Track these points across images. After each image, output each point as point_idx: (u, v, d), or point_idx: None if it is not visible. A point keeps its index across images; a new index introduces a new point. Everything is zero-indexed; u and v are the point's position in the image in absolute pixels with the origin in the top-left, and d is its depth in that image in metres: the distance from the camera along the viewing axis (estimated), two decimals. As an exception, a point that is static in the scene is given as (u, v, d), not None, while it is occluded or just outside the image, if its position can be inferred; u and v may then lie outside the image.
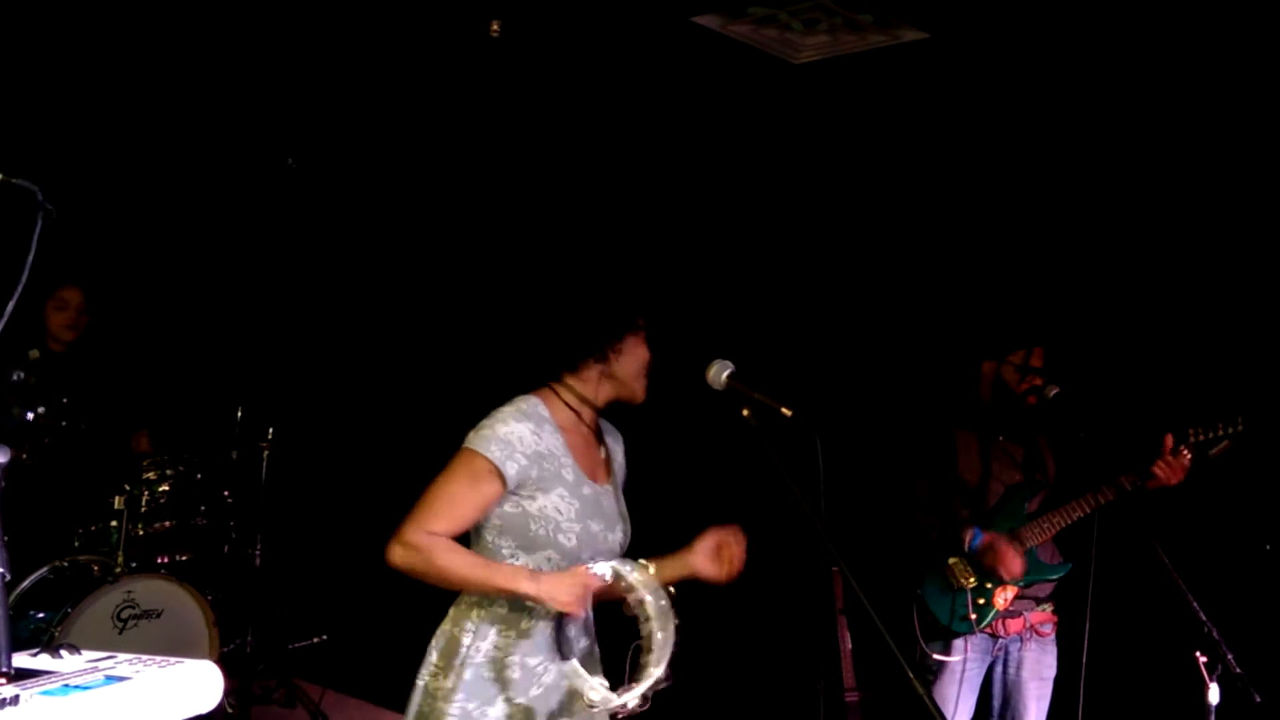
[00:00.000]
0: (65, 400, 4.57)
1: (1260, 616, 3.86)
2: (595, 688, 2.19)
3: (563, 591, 2.21)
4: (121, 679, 1.58)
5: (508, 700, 2.29)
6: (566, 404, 2.40)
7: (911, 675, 1.88)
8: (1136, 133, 4.29)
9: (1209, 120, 4.13)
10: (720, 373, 2.27)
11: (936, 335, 4.53)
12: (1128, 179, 4.40)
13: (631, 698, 2.18)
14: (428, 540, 2.25)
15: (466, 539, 2.37)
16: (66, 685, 1.53)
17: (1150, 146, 4.27)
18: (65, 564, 4.26)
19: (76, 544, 4.42)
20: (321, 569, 5.85)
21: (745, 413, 2.22)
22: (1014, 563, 3.36)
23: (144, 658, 1.71)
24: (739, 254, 5.22)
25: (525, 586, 2.22)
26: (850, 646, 5.14)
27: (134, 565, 4.34)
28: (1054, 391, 3.41)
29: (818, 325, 5.30)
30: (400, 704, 4.98)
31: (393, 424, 6.08)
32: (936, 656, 3.42)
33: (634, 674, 2.22)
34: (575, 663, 2.23)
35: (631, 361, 2.38)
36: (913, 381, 4.40)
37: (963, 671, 3.42)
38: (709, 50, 4.52)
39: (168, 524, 4.52)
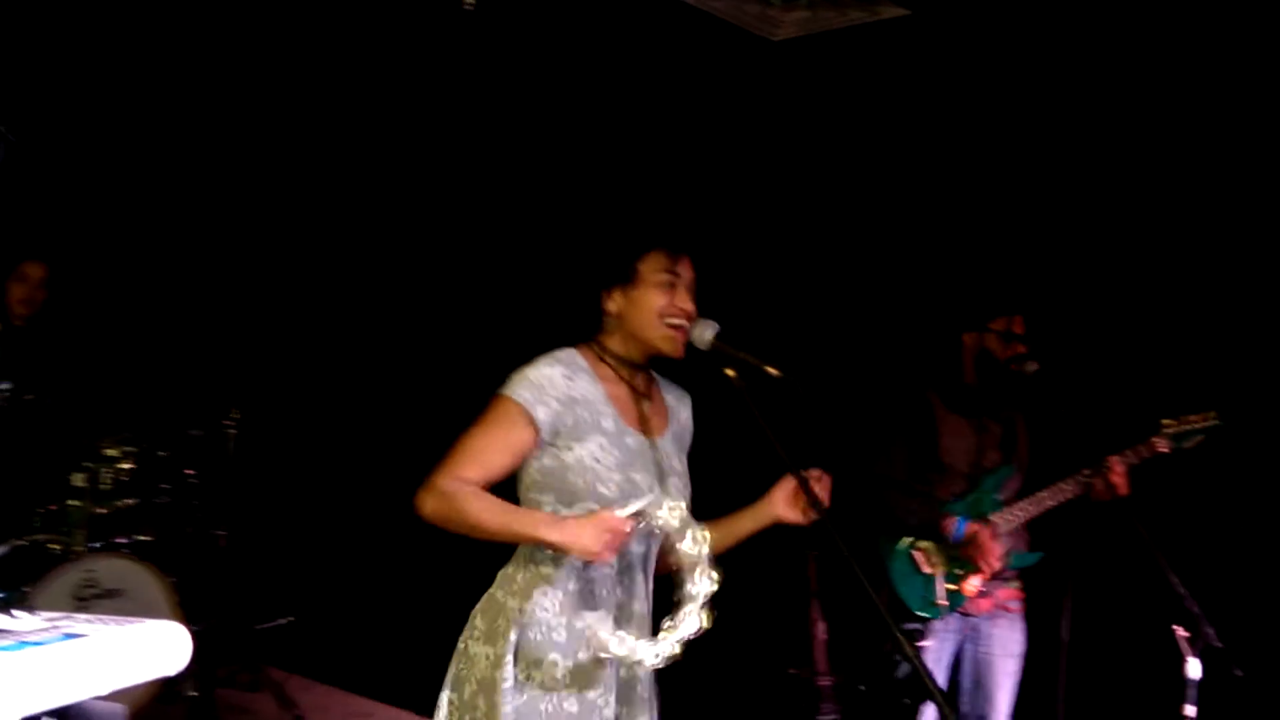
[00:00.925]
0: (25, 376, 4.47)
1: (1240, 591, 3.87)
2: (619, 639, 2.11)
3: (586, 536, 2.09)
4: (79, 635, 1.52)
5: (554, 664, 2.20)
6: (602, 359, 2.33)
7: (904, 641, 1.82)
8: (1120, 102, 4.28)
9: (1193, 94, 4.13)
10: (705, 332, 2.21)
11: (919, 309, 4.50)
12: (1115, 154, 4.39)
13: (655, 651, 2.10)
14: (457, 487, 2.17)
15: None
16: (22, 642, 1.47)
17: (1133, 117, 4.26)
18: (25, 543, 4.18)
19: (36, 523, 4.32)
20: (289, 550, 5.77)
21: (730, 373, 2.16)
22: (996, 558, 3.33)
23: (105, 618, 1.65)
24: (724, 218, 5.18)
25: (545, 532, 2.13)
26: (824, 631, 5.14)
27: (95, 544, 4.25)
28: (1033, 368, 3.38)
29: (803, 291, 5.28)
30: (369, 689, 4.92)
31: (362, 403, 6.00)
32: None
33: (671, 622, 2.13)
34: (601, 613, 2.14)
35: (638, 312, 2.28)
36: (896, 356, 4.37)
37: (937, 652, 3.40)
38: (690, 21, 4.48)
39: (129, 502, 4.44)
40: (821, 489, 2.22)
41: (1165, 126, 4.20)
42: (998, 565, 3.34)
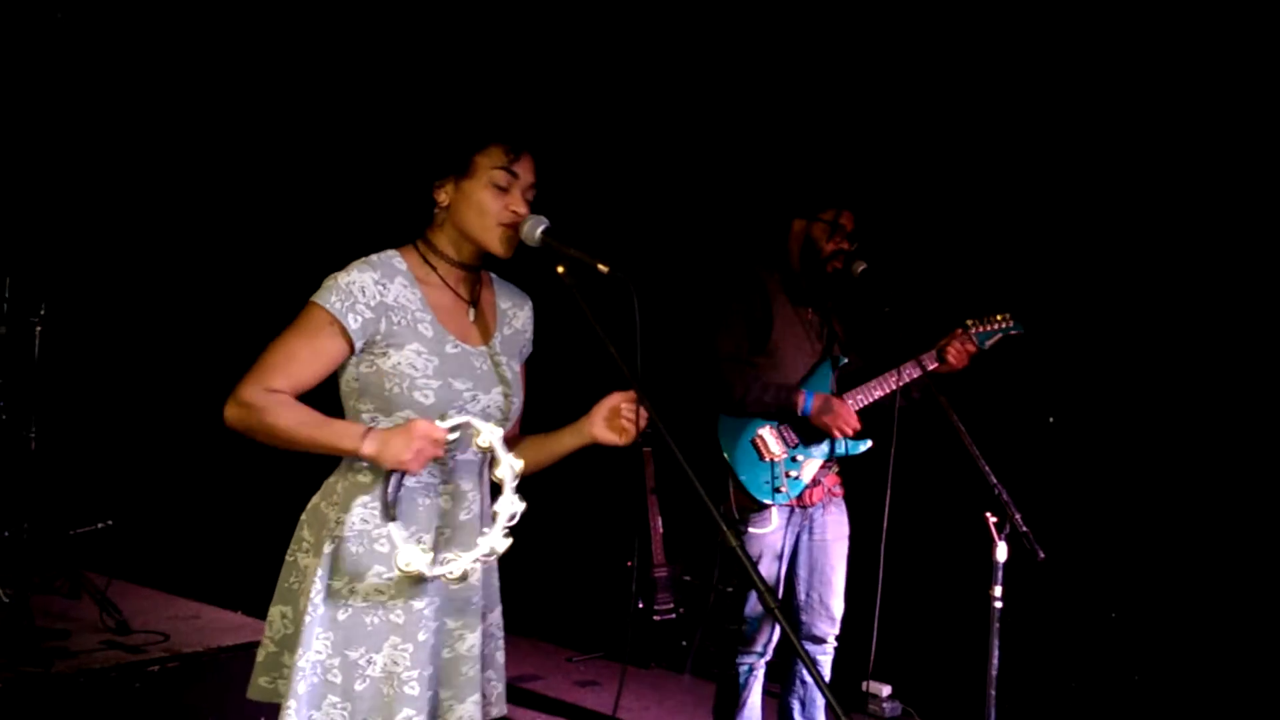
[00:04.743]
0: None
1: (1043, 480, 4.12)
2: (405, 553, 2.05)
3: (395, 444, 2.01)
4: None
5: (377, 575, 2.13)
6: (424, 258, 2.22)
7: (728, 531, 1.85)
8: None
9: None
10: (534, 228, 2.15)
11: (750, 191, 4.53)
12: (948, 61, 4.49)
13: (448, 569, 2.06)
14: (263, 397, 2.06)
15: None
16: None
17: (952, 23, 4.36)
18: None
19: None
20: (103, 452, 5.53)
21: (560, 269, 2.12)
22: (851, 417, 3.42)
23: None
24: (554, 107, 5.10)
25: (354, 443, 2.05)
26: (660, 525, 5.26)
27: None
28: (861, 268, 3.46)
29: (634, 179, 5.26)
30: (190, 591, 4.80)
31: (179, 295, 5.75)
32: (751, 529, 3.46)
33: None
34: (394, 526, 2.06)
35: (467, 208, 2.18)
36: (730, 239, 4.40)
37: (775, 545, 3.49)
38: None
39: (-76, 404, 4.15)
40: (633, 412, 2.20)
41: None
42: (856, 425, 3.43)
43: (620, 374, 2.02)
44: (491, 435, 2.08)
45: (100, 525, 5.04)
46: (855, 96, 4.83)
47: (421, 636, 2.15)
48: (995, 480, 2.96)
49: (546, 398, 2.57)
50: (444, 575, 2.07)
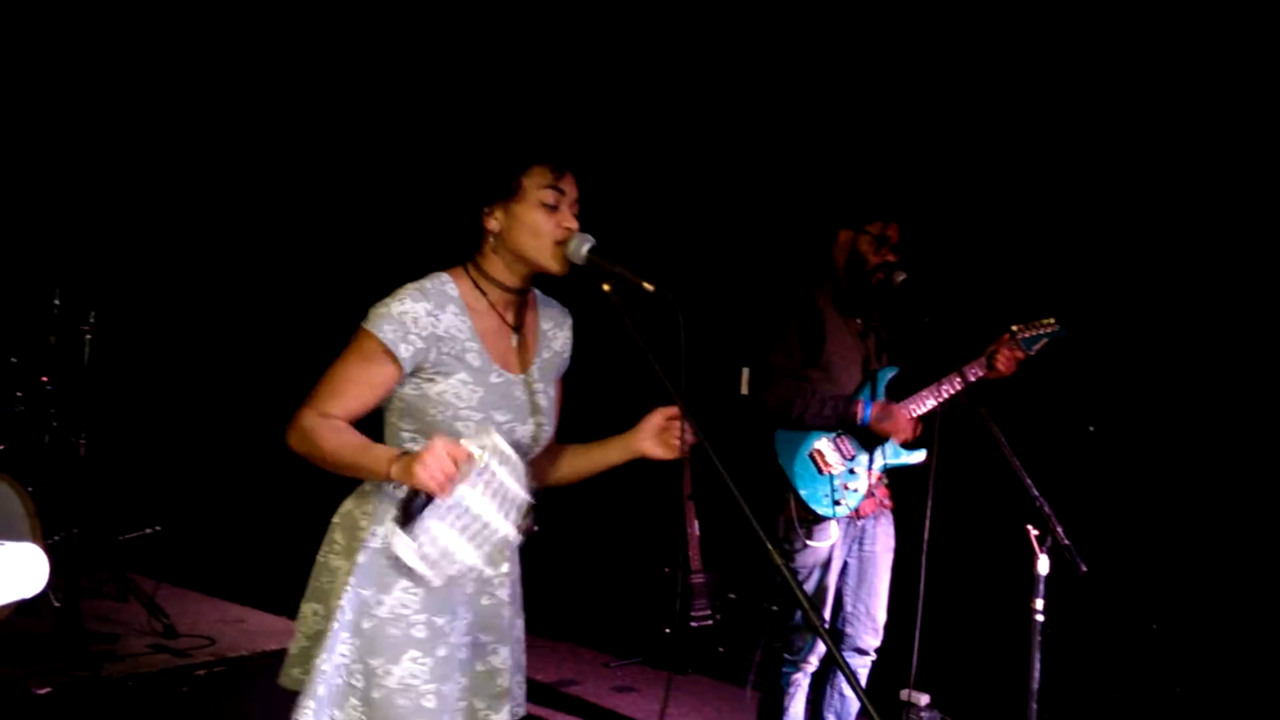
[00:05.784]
0: None
1: (1085, 491, 4.10)
2: (402, 545, 2.09)
3: (419, 468, 1.99)
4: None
5: (403, 590, 2.18)
6: (475, 283, 2.25)
7: (774, 552, 1.87)
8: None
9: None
10: (580, 246, 2.18)
11: (797, 205, 4.54)
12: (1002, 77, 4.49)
13: (429, 573, 2.10)
14: (314, 422, 2.13)
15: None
16: None
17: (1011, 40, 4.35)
18: None
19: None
20: (152, 458, 5.61)
21: (606, 287, 2.15)
22: (909, 423, 3.44)
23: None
24: (598, 124, 5.12)
25: (384, 469, 2.07)
26: (698, 531, 5.27)
27: (-57, 455, 4.06)
28: (901, 278, 3.47)
29: (680, 198, 5.28)
30: (237, 595, 4.86)
31: (227, 305, 5.83)
32: (809, 543, 3.47)
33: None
34: (403, 535, 2.08)
35: (520, 230, 2.21)
36: (771, 253, 4.41)
37: (829, 556, 3.51)
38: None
39: (-21, 411, 4.24)
40: (680, 427, 2.25)
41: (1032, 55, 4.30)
42: (910, 433, 3.44)
43: (664, 390, 2.04)
44: (508, 460, 2.10)
45: (148, 530, 5.13)
46: (898, 106, 4.83)
47: (442, 652, 2.20)
48: (1037, 492, 2.96)
49: (590, 413, 2.60)
50: (424, 567, 2.10)
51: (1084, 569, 2.90)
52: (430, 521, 2.08)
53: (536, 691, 4.61)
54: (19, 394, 4.44)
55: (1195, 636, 4.35)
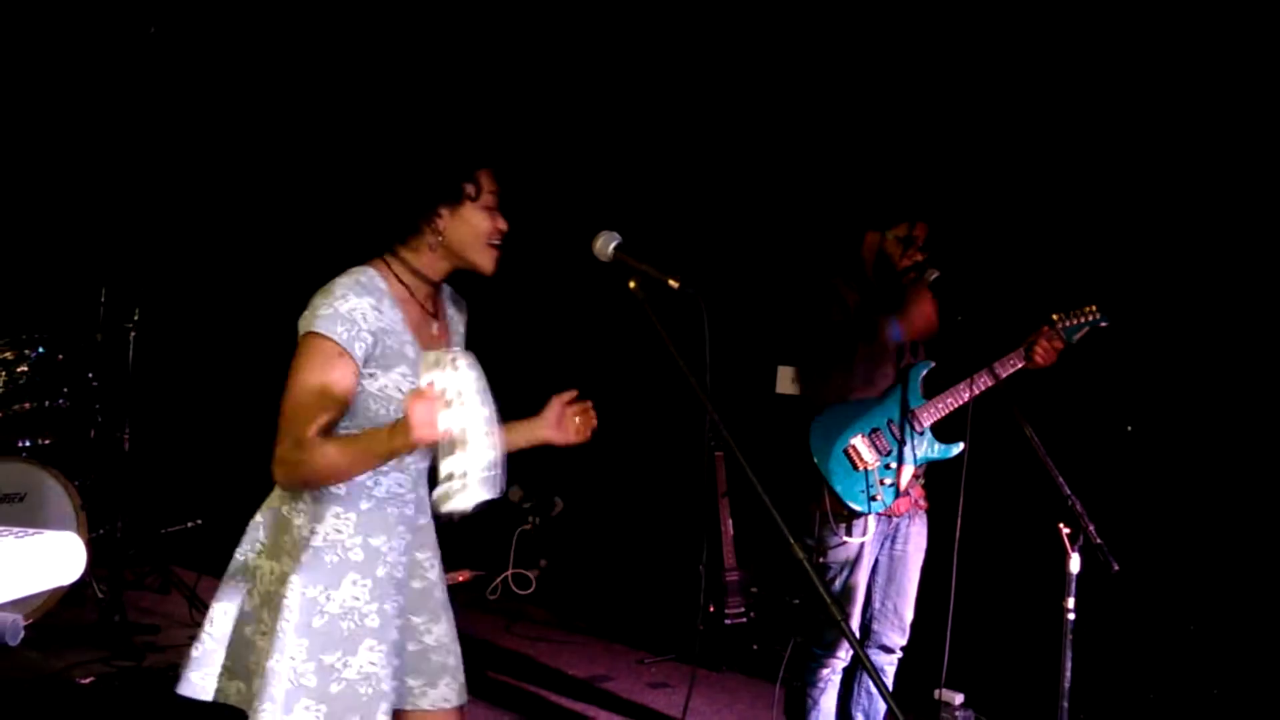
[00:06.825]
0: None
1: (1119, 490, 4.06)
2: (458, 499, 1.91)
3: (416, 430, 1.90)
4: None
5: (353, 583, 2.22)
6: (398, 277, 2.27)
7: (796, 546, 1.88)
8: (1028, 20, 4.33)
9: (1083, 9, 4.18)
10: (607, 244, 2.20)
11: (824, 205, 4.53)
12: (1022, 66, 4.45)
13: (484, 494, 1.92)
14: (296, 453, 2.09)
15: None
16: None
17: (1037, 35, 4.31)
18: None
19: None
20: (194, 453, 5.70)
21: (632, 284, 2.17)
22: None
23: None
24: (625, 123, 5.13)
25: (399, 445, 2.00)
26: (731, 529, 5.28)
27: (-8, 449, 4.16)
28: (934, 275, 3.45)
29: (706, 195, 5.27)
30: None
31: (266, 299, 5.91)
32: (846, 539, 3.46)
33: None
34: (445, 488, 1.96)
35: (464, 231, 2.25)
36: (799, 252, 4.40)
37: (860, 553, 3.50)
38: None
39: (26, 406, 4.34)
40: (583, 416, 2.31)
41: (1066, 42, 4.26)
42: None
43: (688, 385, 2.05)
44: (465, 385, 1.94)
45: (190, 524, 5.22)
46: (925, 104, 4.80)
47: (394, 636, 2.27)
48: (1069, 491, 2.94)
49: (618, 407, 2.62)
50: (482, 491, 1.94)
51: (1116, 568, 2.88)
52: (445, 460, 1.94)
53: (570, 687, 4.66)
54: (65, 390, 4.53)
55: (1234, 638, 4.30)
